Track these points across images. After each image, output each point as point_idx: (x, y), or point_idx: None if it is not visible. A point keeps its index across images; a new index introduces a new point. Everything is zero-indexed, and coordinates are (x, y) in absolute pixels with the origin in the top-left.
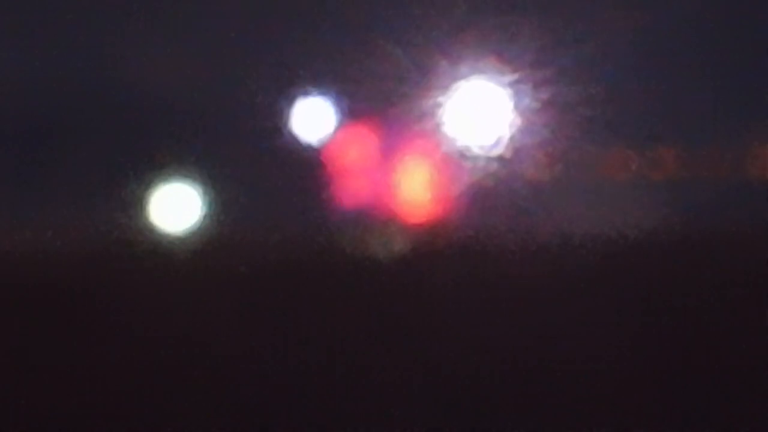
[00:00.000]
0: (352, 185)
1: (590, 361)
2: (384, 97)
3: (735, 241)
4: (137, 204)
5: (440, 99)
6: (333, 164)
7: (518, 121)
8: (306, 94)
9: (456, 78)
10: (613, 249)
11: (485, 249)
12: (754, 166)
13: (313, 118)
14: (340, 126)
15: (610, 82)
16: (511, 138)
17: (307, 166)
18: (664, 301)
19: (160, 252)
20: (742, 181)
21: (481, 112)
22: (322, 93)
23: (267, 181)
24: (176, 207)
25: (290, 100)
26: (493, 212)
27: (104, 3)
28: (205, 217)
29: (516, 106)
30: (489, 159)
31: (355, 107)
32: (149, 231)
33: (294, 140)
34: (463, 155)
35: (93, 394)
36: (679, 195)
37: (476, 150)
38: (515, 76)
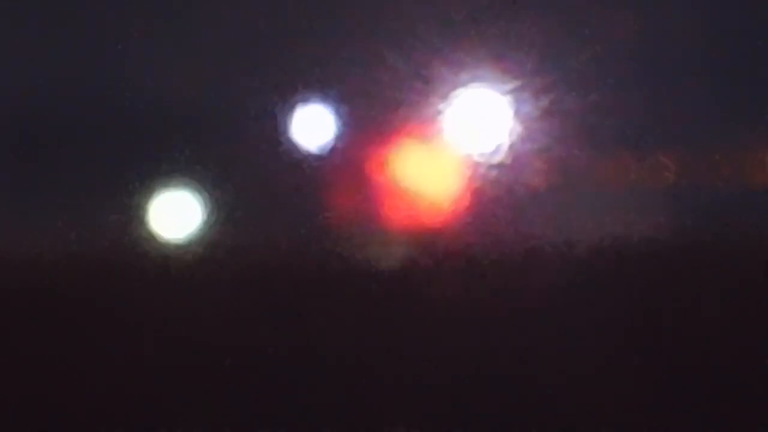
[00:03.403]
0: (352, 192)
1: (591, 368)
2: (384, 105)
3: (738, 247)
4: (136, 210)
5: (440, 106)
6: (333, 171)
7: (519, 129)
8: (306, 101)
9: (456, 85)
10: (615, 256)
11: (485, 256)
12: (757, 173)
13: (312, 126)
14: (340, 133)
15: (611, 89)
16: (512, 145)
17: (306, 173)
18: (666, 308)
19: (160, 259)
20: (745, 188)
21: (481, 120)
22: (322, 100)
23: (266, 188)
24: (176, 214)
25: (290, 108)
26: (493, 219)
27: (105, 6)
28: (204, 223)
29: (516, 114)
30: (489, 166)
31: (355, 114)
32: (148, 238)
33: (293, 147)
34: (463, 163)
35: (93, 399)
36: (681, 202)
37: (476, 157)
38: (516, 84)
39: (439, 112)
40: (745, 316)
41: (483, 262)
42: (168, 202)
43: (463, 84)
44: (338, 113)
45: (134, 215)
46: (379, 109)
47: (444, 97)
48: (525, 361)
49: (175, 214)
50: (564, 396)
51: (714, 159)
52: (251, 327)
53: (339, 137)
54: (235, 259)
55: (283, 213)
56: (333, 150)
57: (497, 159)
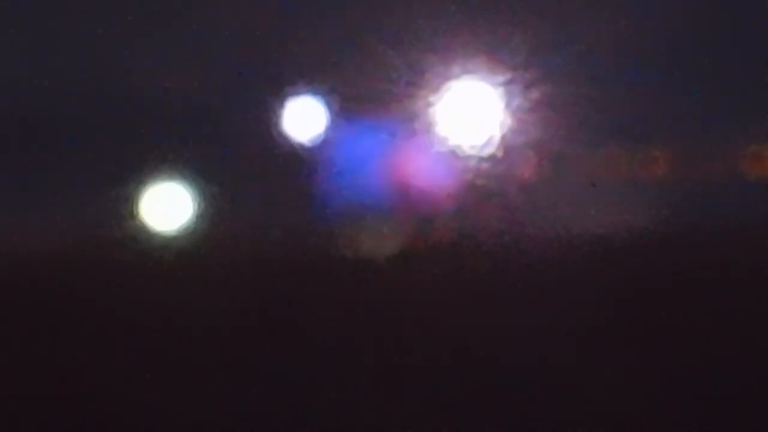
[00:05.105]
0: (344, 185)
1: (583, 362)
2: (375, 97)
3: (729, 241)
4: (128, 203)
5: (431, 99)
6: (324, 163)
7: (510, 121)
8: (297, 93)
9: (447, 77)
10: (606, 249)
11: (477, 249)
12: (749, 167)
13: (303, 118)
14: (331, 125)
15: (603, 82)
16: (503, 138)
17: (298, 165)
18: (657, 301)
19: (152, 251)
20: (736, 181)
21: (472, 112)
22: (313, 92)
23: (258, 180)
24: (168, 206)
25: (281, 101)
26: (485, 212)
27: (98, 1)
28: (196, 216)
29: (507, 106)
30: (480, 159)
31: (346, 107)
32: (140, 230)
33: (285, 141)
34: (454, 155)
35: (86, 393)
36: (672, 195)
37: (467, 150)
38: (507, 76)
39: (430, 105)
40: (741, 309)
41: (475, 255)
42: (160, 196)
43: (455, 77)
44: (329, 106)
45: (126, 208)
46: (371, 102)
47: (435, 89)
48: (518, 353)
49: (168, 208)
50: (557, 387)
51: (706, 151)
52: (244, 320)
53: (330, 130)
54: (228, 252)
55: (276, 206)
56: (324, 143)
57: (488, 152)
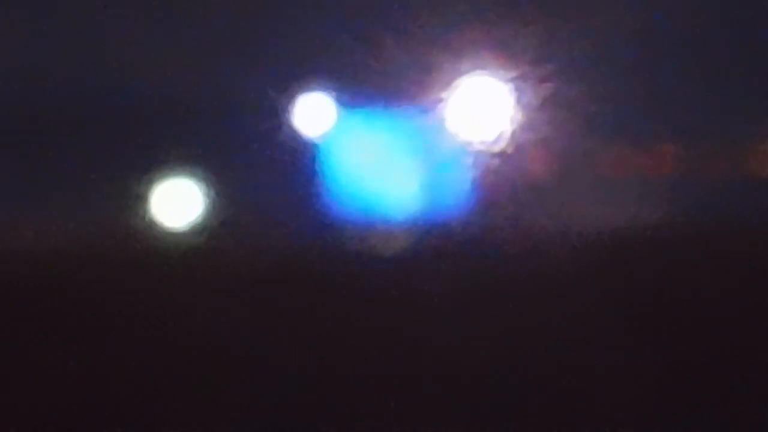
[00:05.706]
0: (353, 182)
1: (591, 359)
2: (384, 93)
3: (737, 239)
4: (137, 200)
5: (442, 95)
6: (333, 161)
7: (520, 118)
8: (306, 89)
9: (457, 74)
10: (616, 246)
11: (487, 245)
12: (757, 164)
13: (313, 114)
14: (340, 122)
15: (613, 78)
16: (513, 134)
17: (307, 162)
18: (666, 299)
19: (161, 248)
20: (744, 178)
21: (482, 109)
22: (323, 89)
23: (267, 177)
24: (177, 203)
25: (290, 96)
26: (495, 208)
27: (103, 0)
28: (205, 213)
29: (518, 103)
30: (491, 155)
31: (356, 103)
32: (149, 227)
33: (294, 136)
34: (464, 151)
35: (93, 393)
36: (682, 192)
37: (478, 146)
38: (517, 73)
39: (441, 101)
40: (745, 307)
41: (484, 251)
42: (169, 192)
43: (465, 72)
44: (338, 102)
45: (134, 205)
46: (380, 98)
47: (445, 85)
48: (527, 352)
49: (177, 204)
50: (566, 387)
51: (716, 149)
52: (250, 317)
53: (339, 126)
54: (236, 248)
55: (283, 202)
56: (333, 139)
57: (499, 148)
